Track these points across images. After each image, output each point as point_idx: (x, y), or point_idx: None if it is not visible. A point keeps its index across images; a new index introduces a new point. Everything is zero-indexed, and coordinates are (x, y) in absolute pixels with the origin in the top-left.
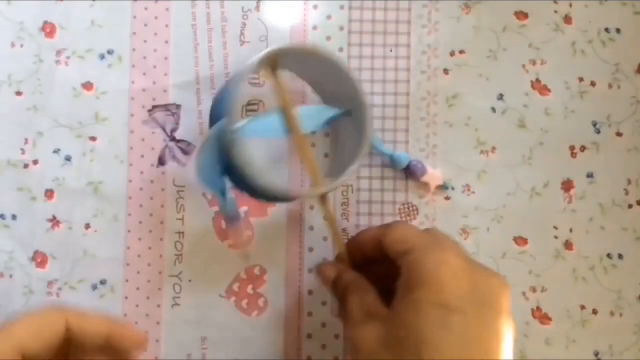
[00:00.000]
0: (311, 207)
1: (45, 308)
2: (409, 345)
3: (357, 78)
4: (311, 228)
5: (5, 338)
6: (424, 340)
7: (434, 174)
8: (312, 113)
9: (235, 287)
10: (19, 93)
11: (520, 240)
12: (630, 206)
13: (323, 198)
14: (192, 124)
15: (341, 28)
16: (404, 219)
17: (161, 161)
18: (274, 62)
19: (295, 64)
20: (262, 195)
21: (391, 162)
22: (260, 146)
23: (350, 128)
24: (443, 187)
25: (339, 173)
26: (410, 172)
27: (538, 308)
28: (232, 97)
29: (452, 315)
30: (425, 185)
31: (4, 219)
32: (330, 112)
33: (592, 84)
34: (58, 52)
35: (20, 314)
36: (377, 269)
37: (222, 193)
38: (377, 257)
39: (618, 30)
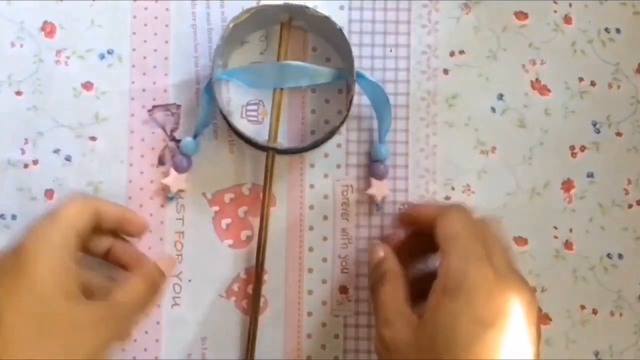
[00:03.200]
0: (311, 207)
1: (74, 196)
2: (442, 354)
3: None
4: (311, 228)
5: (63, 221)
6: (458, 352)
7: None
8: (308, 71)
9: (235, 287)
10: (19, 93)
11: (520, 240)
12: (630, 206)
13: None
14: (192, 124)
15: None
16: None
17: (161, 161)
18: (290, 17)
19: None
20: (240, 135)
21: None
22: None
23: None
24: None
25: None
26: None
27: (538, 308)
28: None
29: (487, 330)
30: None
31: (4, 219)
32: (324, 75)
33: (592, 84)
34: (58, 52)
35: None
36: (424, 240)
37: (204, 124)
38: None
39: (618, 30)
